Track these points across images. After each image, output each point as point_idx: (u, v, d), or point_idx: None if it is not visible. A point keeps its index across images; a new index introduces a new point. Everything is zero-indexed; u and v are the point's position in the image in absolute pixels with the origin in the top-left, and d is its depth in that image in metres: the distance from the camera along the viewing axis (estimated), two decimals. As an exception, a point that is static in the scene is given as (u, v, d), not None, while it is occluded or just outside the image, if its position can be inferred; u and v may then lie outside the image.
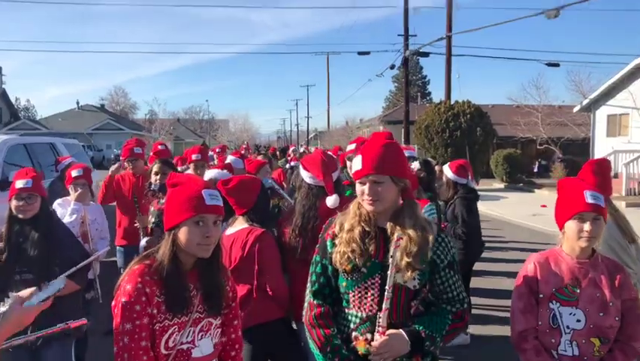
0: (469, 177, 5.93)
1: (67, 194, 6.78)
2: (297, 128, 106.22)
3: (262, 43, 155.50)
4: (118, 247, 5.91)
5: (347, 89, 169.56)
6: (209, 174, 4.91)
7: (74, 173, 4.96)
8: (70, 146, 8.97)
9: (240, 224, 3.43)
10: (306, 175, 3.51)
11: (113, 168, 5.94)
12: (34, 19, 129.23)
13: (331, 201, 3.31)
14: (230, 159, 7.45)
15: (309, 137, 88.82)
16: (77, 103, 63.65)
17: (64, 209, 4.70)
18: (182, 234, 2.13)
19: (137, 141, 6.10)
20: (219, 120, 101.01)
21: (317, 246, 2.55)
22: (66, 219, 4.34)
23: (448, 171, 5.93)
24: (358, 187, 2.35)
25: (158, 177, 5.06)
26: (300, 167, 3.63)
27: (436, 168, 6.86)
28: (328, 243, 2.45)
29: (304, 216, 3.42)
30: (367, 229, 2.33)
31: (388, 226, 2.33)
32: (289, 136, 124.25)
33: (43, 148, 7.82)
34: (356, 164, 2.34)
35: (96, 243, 4.72)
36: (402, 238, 2.24)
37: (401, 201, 2.37)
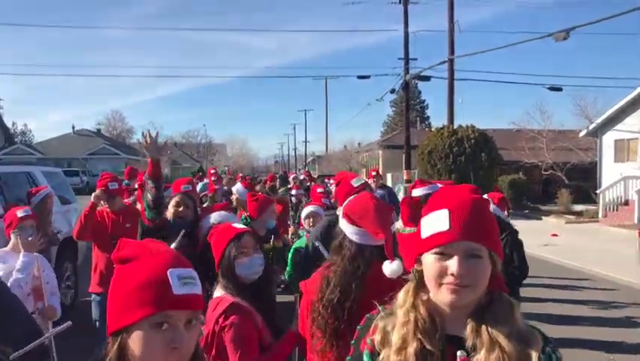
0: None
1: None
2: (295, 152, 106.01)
3: (261, 67, 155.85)
4: (93, 295, 5.12)
5: (345, 113, 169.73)
6: (213, 218, 4.04)
7: (20, 213, 4.06)
8: (51, 175, 8.19)
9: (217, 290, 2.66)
10: (352, 230, 2.35)
11: (95, 194, 5.11)
12: (34, 43, 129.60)
13: (392, 268, 2.13)
14: (237, 189, 6.68)
15: (307, 161, 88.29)
16: (73, 127, 63.08)
17: (8, 263, 3.80)
18: (135, 342, 1.32)
19: (111, 177, 5.33)
20: (217, 145, 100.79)
21: (349, 358, 1.70)
22: (15, 276, 3.53)
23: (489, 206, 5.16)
24: (432, 263, 1.48)
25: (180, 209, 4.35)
26: (342, 218, 2.45)
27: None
28: (365, 358, 1.59)
29: (344, 288, 2.28)
30: (429, 346, 1.44)
31: (468, 331, 1.43)
32: (287, 160, 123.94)
33: (17, 179, 7.02)
34: (435, 222, 1.49)
35: (49, 299, 3.83)
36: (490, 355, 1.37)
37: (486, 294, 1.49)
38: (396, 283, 1.69)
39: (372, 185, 11.08)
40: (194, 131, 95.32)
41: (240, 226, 2.78)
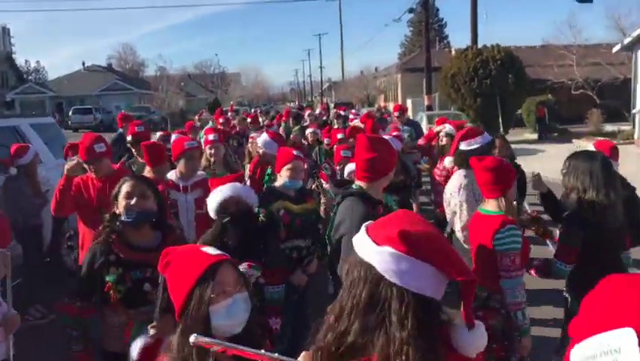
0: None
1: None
2: (310, 79, 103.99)
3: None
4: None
5: (361, 36, 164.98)
6: (228, 190, 3.38)
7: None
8: (42, 127, 7.35)
9: None
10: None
11: (69, 164, 4.34)
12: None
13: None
14: (262, 141, 5.69)
15: (323, 88, 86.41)
16: (83, 64, 61.88)
17: None
18: None
19: (96, 137, 4.46)
20: (231, 74, 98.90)
21: None
22: None
23: None
24: None
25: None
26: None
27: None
28: None
29: None
30: None
31: None
32: (302, 88, 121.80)
33: (2, 134, 6.24)
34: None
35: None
36: None
37: None
38: None
39: (396, 120, 10.17)
40: (206, 61, 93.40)
41: (213, 251, 1.84)
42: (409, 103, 32.22)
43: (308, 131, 9.51)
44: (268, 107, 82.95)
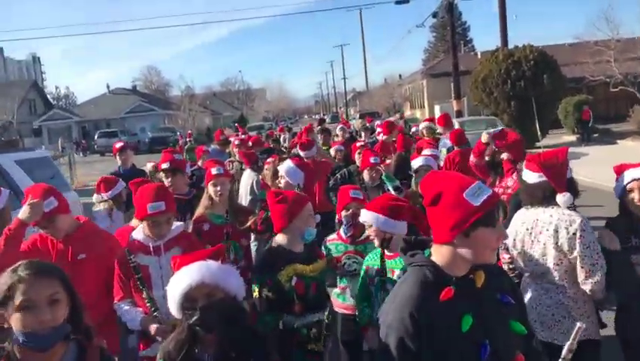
0: None
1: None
2: (334, 90, 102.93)
3: (291, 4, 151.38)
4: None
5: (384, 44, 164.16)
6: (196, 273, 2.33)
7: None
8: (32, 163, 6.58)
9: None
10: None
11: (26, 211, 3.24)
12: (69, 3, 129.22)
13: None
14: (286, 168, 4.78)
15: (348, 98, 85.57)
16: (108, 87, 62.17)
17: None
18: None
19: (46, 190, 3.50)
20: (255, 90, 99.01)
21: None
22: None
23: None
24: None
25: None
26: None
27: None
28: None
29: None
30: None
31: None
32: (327, 99, 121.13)
33: None
34: None
35: None
36: None
37: None
38: None
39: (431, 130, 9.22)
40: (231, 78, 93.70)
41: None
42: (436, 109, 31.10)
43: (333, 149, 8.61)
44: (294, 120, 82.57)
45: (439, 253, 2.01)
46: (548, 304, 3.12)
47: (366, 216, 3.31)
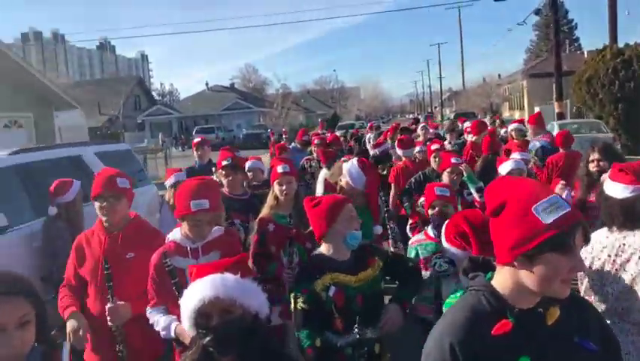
0: None
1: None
2: (430, 90, 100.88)
3: (389, 2, 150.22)
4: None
5: (483, 43, 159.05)
6: (209, 287, 2.11)
7: None
8: (112, 155, 6.70)
9: None
10: None
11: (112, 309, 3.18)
12: (175, 3, 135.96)
13: None
14: (349, 168, 4.36)
15: (444, 98, 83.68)
16: (207, 84, 64.46)
17: None
18: None
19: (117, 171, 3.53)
20: (349, 89, 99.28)
21: None
22: None
23: None
24: None
25: None
26: None
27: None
28: None
29: None
30: None
31: None
32: (422, 99, 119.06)
33: (56, 167, 5.43)
34: None
35: None
36: None
37: None
38: None
39: (521, 131, 8.53)
40: (326, 77, 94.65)
41: None
42: (536, 110, 29.50)
43: (416, 150, 8.19)
44: (386, 119, 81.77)
45: (500, 277, 1.67)
46: (629, 350, 2.53)
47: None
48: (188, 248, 3.04)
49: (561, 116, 22.11)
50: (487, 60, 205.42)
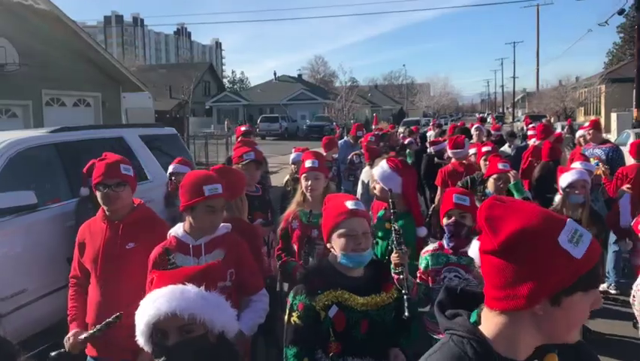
0: None
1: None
2: (502, 89, 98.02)
3: None
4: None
5: (560, 43, 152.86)
6: (165, 299, 1.86)
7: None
8: (156, 138, 6.64)
9: None
10: None
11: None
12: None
13: None
14: (380, 171, 4.01)
15: (516, 99, 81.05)
16: (274, 74, 65.01)
17: None
18: None
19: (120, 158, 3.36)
20: (418, 85, 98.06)
21: None
22: None
23: None
24: None
25: None
26: None
27: None
28: None
29: None
30: None
31: None
32: (494, 98, 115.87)
33: (96, 147, 5.51)
34: None
35: None
36: None
37: None
38: None
39: (587, 137, 7.90)
40: (395, 72, 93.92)
41: None
42: (613, 117, 27.96)
43: (470, 151, 7.77)
44: (455, 117, 79.97)
45: (492, 323, 1.32)
46: None
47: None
48: (190, 245, 2.85)
49: (639, 122, 20.85)
50: (564, 62, 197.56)
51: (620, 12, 25.84)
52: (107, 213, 3.24)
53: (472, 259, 3.05)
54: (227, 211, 3.32)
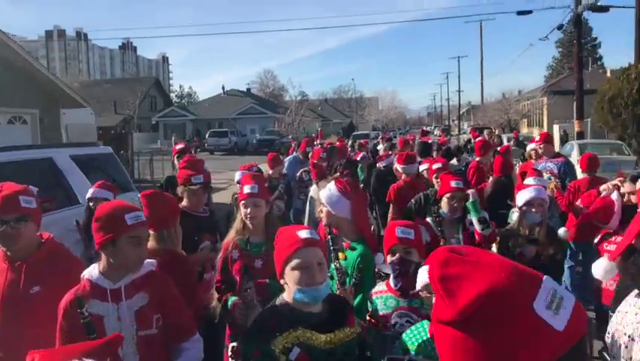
0: None
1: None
2: (448, 102, 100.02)
3: (409, 13, 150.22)
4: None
5: (503, 57, 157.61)
6: None
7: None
8: (89, 158, 6.21)
9: None
10: None
11: None
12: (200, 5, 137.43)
13: None
14: (327, 195, 3.61)
15: (462, 112, 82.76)
16: (223, 88, 64.31)
17: None
18: None
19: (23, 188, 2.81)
20: (367, 99, 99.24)
21: None
22: None
23: None
24: None
25: None
26: None
27: None
28: None
29: None
30: None
31: None
32: (440, 112, 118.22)
33: (21, 170, 4.91)
34: None
35: None
36: None
37: None
38: None
39: (539, 151, 7.85)
40: (344, 86, 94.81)
41: None
42: (555, 129, 28.69)
43: (422, 167, 7.57)
44: (404, 130, 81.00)
45: None
46: None
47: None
48: (108, 290, 2.43)
49: (581, 135, 21.41)
50: (507, 75, 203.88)
51: (560, 27, 26.61)
52: (7, 253, 2.75)
53: (423, 301, 2.78)
54: (159, 243, 2.97)
